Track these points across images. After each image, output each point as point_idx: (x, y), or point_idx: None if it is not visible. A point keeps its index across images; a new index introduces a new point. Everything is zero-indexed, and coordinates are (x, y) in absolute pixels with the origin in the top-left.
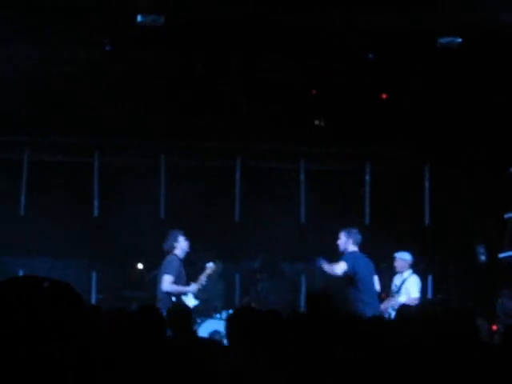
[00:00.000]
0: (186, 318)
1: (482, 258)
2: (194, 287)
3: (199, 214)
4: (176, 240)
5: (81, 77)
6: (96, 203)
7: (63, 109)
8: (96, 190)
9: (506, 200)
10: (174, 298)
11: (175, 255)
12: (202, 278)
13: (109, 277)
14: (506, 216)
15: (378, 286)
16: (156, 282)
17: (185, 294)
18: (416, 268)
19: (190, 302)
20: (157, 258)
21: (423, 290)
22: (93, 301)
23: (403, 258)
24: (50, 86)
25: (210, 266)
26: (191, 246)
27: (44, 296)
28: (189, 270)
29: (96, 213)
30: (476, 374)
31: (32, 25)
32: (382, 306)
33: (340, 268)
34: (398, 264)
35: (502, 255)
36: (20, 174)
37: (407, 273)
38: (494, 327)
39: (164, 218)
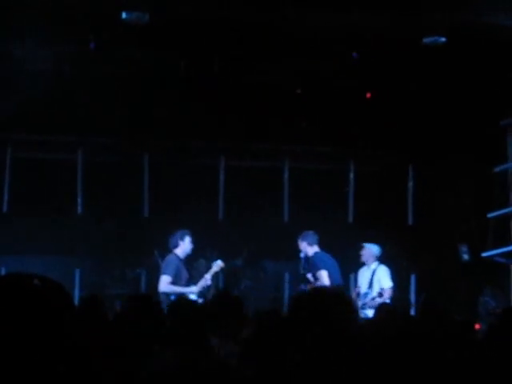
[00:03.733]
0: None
1: (465, 257)
2: (194, 289)
3: (183, 213)
4: (182, 239)
5: (65, 74)
6: (79, 200)
7: (47, 106)
8: (79, 187)
9: (488, 199)
10: (173, 298)
11: (175, 255)
12: (207, 277)
13: (92, 274)
14: (489, 215)
15: (363, 286)
16: (139, 279)
17: (183, 294)
18: (392, 264)
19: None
20: (139, 255)
21: (405, 289)
22: (76, 298)
23: (371, 248)
24: (33, 83)
25: (218, 263)
26: (194, 249)
27: (35, 293)
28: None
29: (79, 210)
30: (460, 373)
31: (15, 22)
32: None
33: (326, 278)
34: (364, 253)
35: (484, 254)
36: (3, 172)
37: (374, 264)
38: (477, 326)
39: (148, 217)
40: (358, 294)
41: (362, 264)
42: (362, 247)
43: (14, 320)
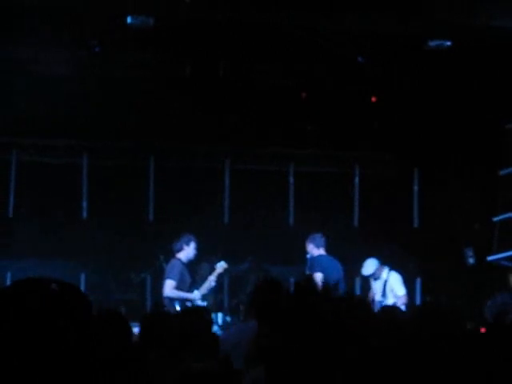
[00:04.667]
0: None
1: (471, 260)
2: (197, 294)
3: (188, 216)
4: (187, 244)
5: (70, 78)
6: (85, 205)
7: (52, 110)
8: (85, 191)
9: (494, 203)
10: (177, 303)
11: (179, 259)
12: (212, 279)
13: (97, 278)
14: (495, 219)
15: (377, 294)
16: (144, 284)
17: (187, 299)
18: (397, 267)
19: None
20: (144, 260)
21: (411, 292)
22: None
23: (370, 272)
24: (39, 86)
25: (222, 264)
26: (198, 253)
27: (53, 298)
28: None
29: (84, 214)
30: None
31: (20, 26)
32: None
33: (319, 281)
34: (373, 277)
35: (490, 258)
36: (8, 175)
37: (385, 273)
38: (483, 330)
39: (153, 220)
40: (373, 300)
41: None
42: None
43: (32, 325)
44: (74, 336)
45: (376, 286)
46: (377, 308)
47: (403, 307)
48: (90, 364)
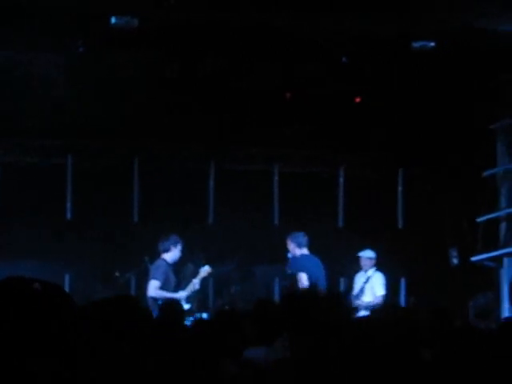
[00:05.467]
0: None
1: (455, 261)
2: (182, 294)
3: (172, 217)
4: (175, 245)
5: (54, 78)
6: (69, 205)
7: (36, 110)
8: (69, 192)
9: (478, 204)
10: (160, 303)
11: (164, 260)
12: (196, 282)
13: (81, 279)
14: (479, 219)
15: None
16: (128, 284)
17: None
18: (382, 267)
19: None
20: (129, 260)
21: (395, 293)
22: None
23: (368, 256)
24: (23, 87)
25: (206, 269)
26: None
27: (36, 297)
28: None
29: (69, 215)
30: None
31: (5, 26)
32: None
33: (304, 281)
34: (364, 263)
35: (474, 258)
36: None
37: (371, 271)
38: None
39: (137, 221)
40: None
41: (358, 269)
42: (358, 259)
43: (15, 324)
44: (57, 333)
45: (359, 280)
46: (353, 302)
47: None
48: (71, 359)
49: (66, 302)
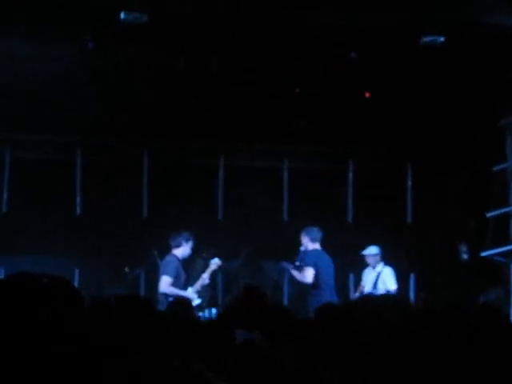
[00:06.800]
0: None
1: (464, 256)
2: (191, 292)
3: (182, 213)
4: (187, 241)
5: (63, 74)
6: (78, 201)
7: (45, 106)
8: (78, 187)
9: (488, 199)
10: (171, 299)
11: (174, 255)
12: (205, 276)
13: (91, 274)
14: (488, 215)
15: (368, 285)
16: (138, 280)
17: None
18: (391, 263)
19: (193, 301)
20: (138, 256)
21: (405, 287)
22: None
23: (372, 252)
24: (33, 83)
25: (215, 261)
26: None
27: (44, 292)
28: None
29: (78, 210)
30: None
31: (12, 21)
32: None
33: (309, 276)
34: (370, 260)
35: (483, 254)
36: (2, 172)
37: (379, 266)
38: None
39: (147, 216)
40: (362, 293)
41: (366, 264)
42: (364, 257)
43: (25, 318)
44: (64, 327)
45: (368, 278)
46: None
47: None
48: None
49: (74, 297)
